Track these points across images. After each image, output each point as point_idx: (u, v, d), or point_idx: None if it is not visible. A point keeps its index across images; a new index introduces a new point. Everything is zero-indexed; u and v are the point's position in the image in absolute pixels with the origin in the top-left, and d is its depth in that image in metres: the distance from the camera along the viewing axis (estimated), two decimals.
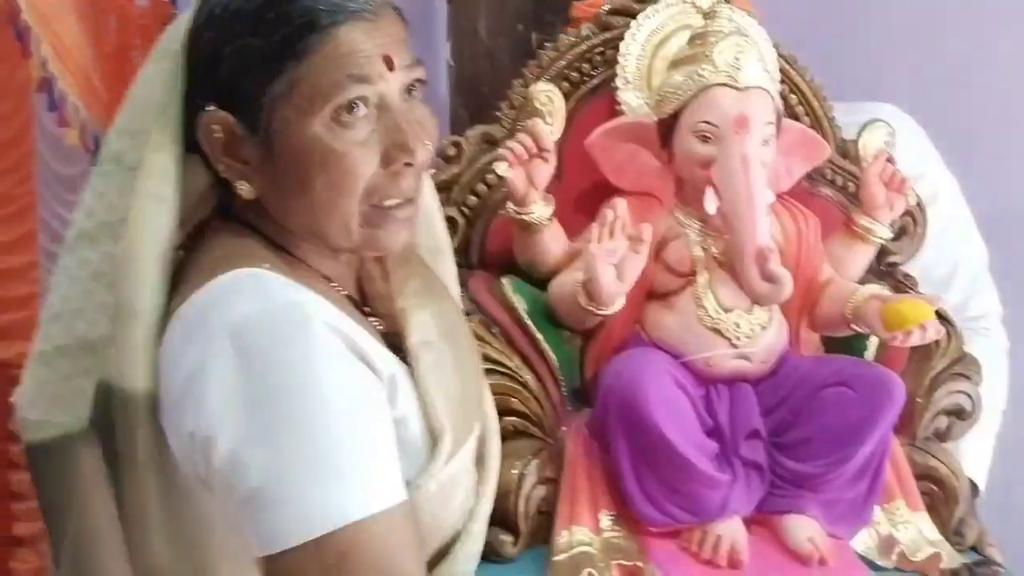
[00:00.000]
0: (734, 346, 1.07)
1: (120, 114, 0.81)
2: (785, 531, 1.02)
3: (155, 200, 0.76)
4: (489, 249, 1.21)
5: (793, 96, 1.29)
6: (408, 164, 0.78)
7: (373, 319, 0.85)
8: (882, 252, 1.32)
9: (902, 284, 1.29)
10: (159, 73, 0.78)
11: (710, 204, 1.06)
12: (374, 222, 0.78)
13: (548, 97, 1.12)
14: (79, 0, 1.85)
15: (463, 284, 1.17)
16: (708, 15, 1.13)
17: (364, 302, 0.87)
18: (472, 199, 1.21)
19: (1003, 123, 1.86)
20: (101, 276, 0.78)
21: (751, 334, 1.07)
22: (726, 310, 1.07)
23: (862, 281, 1.24)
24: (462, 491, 0.82)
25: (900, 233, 1.33)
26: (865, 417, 1.01)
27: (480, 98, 1.48)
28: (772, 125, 1.08)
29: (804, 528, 1.01)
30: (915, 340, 1.01)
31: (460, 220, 1.21)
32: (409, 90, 0.79)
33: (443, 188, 1.21)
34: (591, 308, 1.03)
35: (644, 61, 1.20)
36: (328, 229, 0.78)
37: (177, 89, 0.77)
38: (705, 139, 1.06)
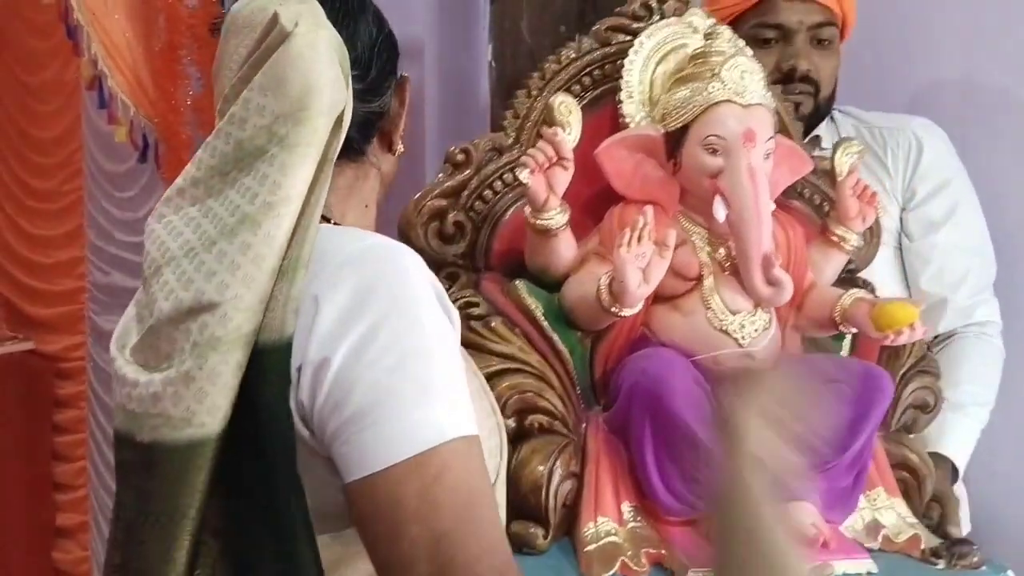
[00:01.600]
0: (740, 346, 1.14)
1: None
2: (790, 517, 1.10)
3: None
4: (495, 253, 1.25)
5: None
6: None
7: None
8: None
9: (862, 288, 1.40)
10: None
11: (719, 212, 1.13)
12: None
13: (566, 107, 1.17)
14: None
15: (475, 286, 1.21)
16: (709, 35, 1.20)
17: None
18: (480, 204, 1.25)
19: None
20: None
21: (755, 334, 1.15)
22: (732, 312, 1.15)
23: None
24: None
25: None
26: (860, 412, 1.10)
27: None
28: (772, 140, 1.16)
29: (807, 514, 1.09)
30: (903, 339, 1.12)
31: (468, 225, 1.25)
32: None
33: (452, 194, 1.25)
34: (614, 309, 1.09)
35: (646, 76, 1.26)
36: None
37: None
38: (714, 151, 1.13)
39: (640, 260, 1.05)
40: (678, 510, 1.07)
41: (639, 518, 1.08)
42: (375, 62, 0.90)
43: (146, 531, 0.77)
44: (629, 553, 1.03)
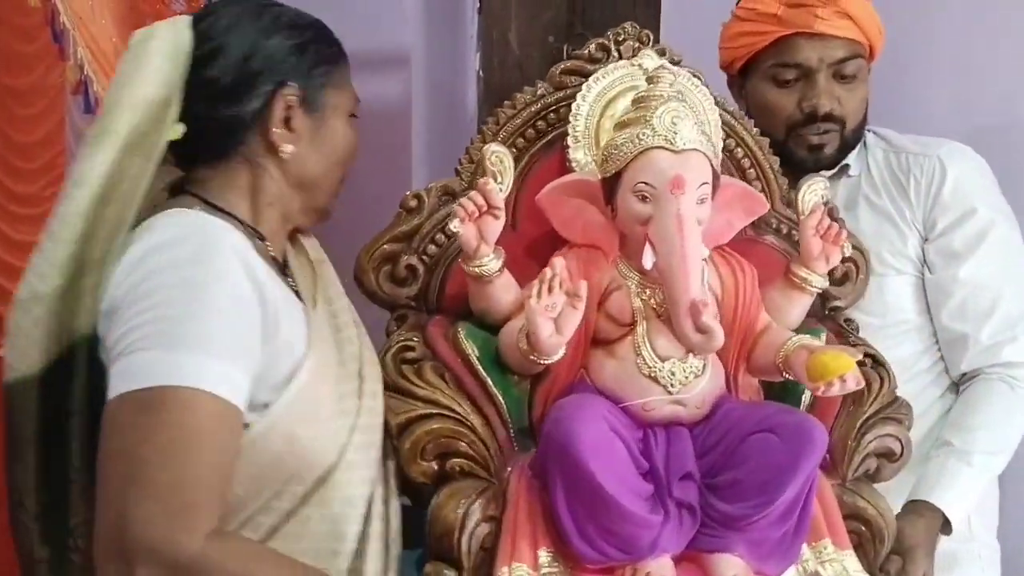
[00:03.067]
0: (669, 392, 1.13)
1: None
2: (713, 569, 1.09)
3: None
4: (447, 295, 1.29)
5: (739, 150, 1.37)
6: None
7: (290, 279, 1.14)
8: (826, 297, 1.39)
9: (843, 328, 1.36)
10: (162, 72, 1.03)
11: (647, 260, 1.13)
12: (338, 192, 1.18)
13: (498, 158, 1.19)
14: (116, 3, 1.91)
15: (422, 329, 1.25)
16: (651, 79, 1.20)
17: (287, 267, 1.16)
18: (432, 248, 1.28)
19: None
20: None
21: (685, 381, 1.14)
22: (662, 359, 1.14)
23: (804, 323, 1.31)
24: (325, 425, 1.03)
25: (843, 279, 1.40)
26: (788, 463, 1.07)
27: None
28: (707, 185, 1.15)
29: (730, 567, 1.08)
30: (835, 391, 1.08)
31: (420, 268, 1.29)
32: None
33: (404, 238, 1.29)
34: (533, 357, 1.11)
35: (593, 120, 1.27)
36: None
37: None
38: (643, 198, 1.13)
39: (551, 311, 1.07)
40: (594, 558, 1.07)
41: (557, 565, 1.09)
42: (241, 72, 1.06)
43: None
44: None
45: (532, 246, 1.28)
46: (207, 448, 0.90)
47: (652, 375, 1.14)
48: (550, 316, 1.07)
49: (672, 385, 1.13)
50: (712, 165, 1.16)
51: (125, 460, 0.89)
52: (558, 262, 1.08)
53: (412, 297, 1.29)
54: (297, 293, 1.13)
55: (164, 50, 1.02)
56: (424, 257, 1.29)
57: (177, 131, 1.04)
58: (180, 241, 0.98)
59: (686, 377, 1.14)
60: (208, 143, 1.08)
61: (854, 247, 1.39)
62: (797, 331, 1.28)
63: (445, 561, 1.09)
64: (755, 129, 1.38)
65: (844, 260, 1.36)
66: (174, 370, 0.90)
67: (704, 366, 1.15)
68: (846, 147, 1.57)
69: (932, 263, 1.56)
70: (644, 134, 1.13)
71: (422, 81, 1.79)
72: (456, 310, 1.27)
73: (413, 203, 1.29)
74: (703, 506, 1.11)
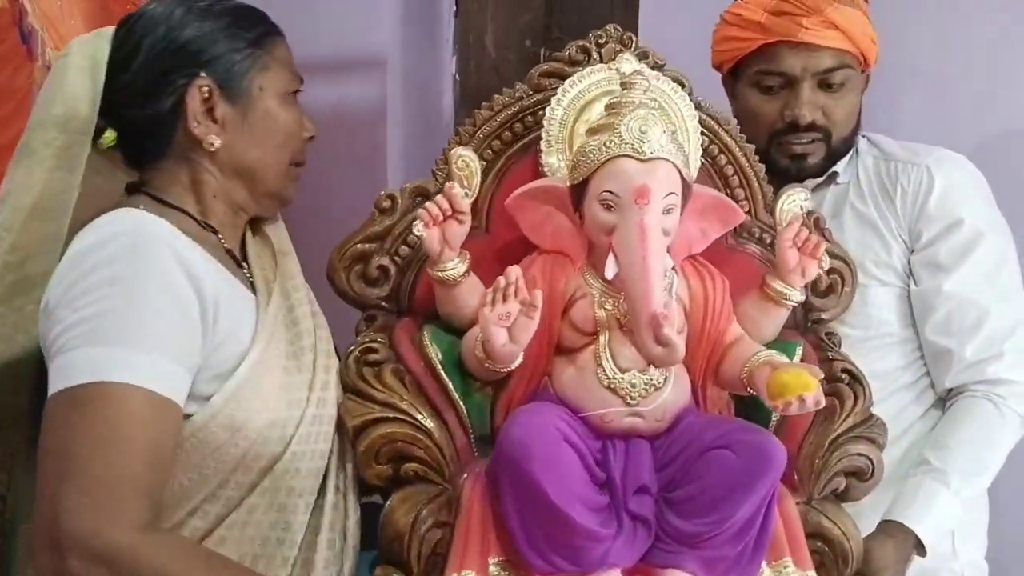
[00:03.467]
0: (628, 404, 1.12)
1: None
2: None
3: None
4: (418, 296, 1.28)
5: (723, 156, 1.34)
6: (311, 137, 1.20)
7: (246, 270, 1.16)
8: (809, 308, 1.36)
9: (822, 342, 1.33)
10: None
11: (610, 270, 1.12)
12: (292, 175, 1.19)
13: (464, 162, 1.18)
14: (86, 3, 1.89)
15: (391, 330, 1.25)
16: (624, 85, 1.18)
17: (244, 258, 1.18)
18: (404, 249, 1.28)
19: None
20: None
21: (645, 394, 1.12)
22: (622, 370, 1.13)
23: (783, 335, 1.29)
24: (270, 416, 1.05)
25: (827, 291, 1.37)
26: (743, 482, 1.06)
27: None
28: (675, 195, 1.13)
29: None
30: (793, 410, 1.05)
31: (392, 268, 1.29)
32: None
33: (377, 238, 1.29)
34: (488, 365, 1.10)
35: (567, 125, 1.25)
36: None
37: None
38: (608, 207, 1.12)
39: (505, 320, 1.06)
40: (544, 569, 1.07)
41: (507, 573, 1.08)
42: (153, 70, 1.08)
43: None
44: None
45: (505, 250, 1.27)
46: (137, 442, 0.92)
47: (611, 386, 1.12)
48: (504, 325, 1.06)
49: (631, 397, 1.12)
50: (682, 175, 1.14)
51: (58, 456, 0.91)
52: (513, 270, 1.07)
53: (383, 298, 1.29)
54: (253, 284, 1.14)
55: (81, 65, 1.06)
56: (396, 258, 1.28)
57: (109, 138, 1.08)
58: (112, 239, 1.00)
59: (646, 389, 1.12)
60: (141, 145, 1.11)
61: (841, 259, 1.37)
62: (774, 344, 1.26)
63: (396, 565, 1.10)
64: (741, 135, 1.35)
65: (830, 272, 1.34)
66: (105, 366, 0.92)
67: (665, 378, 1.14)
68: (834, 156, 1.53)
69: (918, 275, 1.52)
70: (611, 142, 1.12)
71: (398, 84, 1.79)
72: (427, 311, 1.27)
73: (386, 204, 1.29)
74: (659, 520, 1.10)
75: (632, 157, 1.11)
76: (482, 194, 1.31)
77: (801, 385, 1.05)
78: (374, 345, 1.19)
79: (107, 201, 1.08)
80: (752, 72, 1.51)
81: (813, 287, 1.34)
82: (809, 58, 1.47)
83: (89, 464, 0.90)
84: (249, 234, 1.21)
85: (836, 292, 1.37)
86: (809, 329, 1.36)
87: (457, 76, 1.59)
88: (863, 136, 1.61)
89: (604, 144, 1.12)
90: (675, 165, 1.13)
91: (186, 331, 0.99)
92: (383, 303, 1.29)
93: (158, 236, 1.02)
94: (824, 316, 1.37)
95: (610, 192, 1.11)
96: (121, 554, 0.90)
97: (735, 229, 1.33)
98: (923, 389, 1.51)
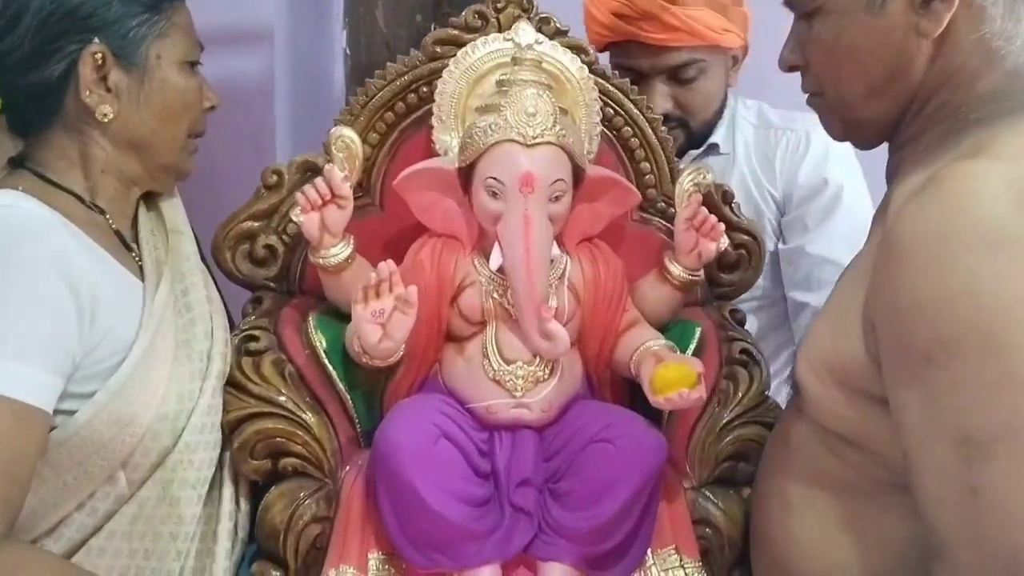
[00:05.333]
0: (513, 396, 1.10)
1: None
2: None
3: None
4: (309, 276, 1.24)
5: (627, 128, 1.29)
6: (212, 107, 1.14)
7: (135, 253, 1.10)
8: (715, 283, 1.34)
9: (724, 320, 1.31)
10: None
11: (494, 260, 1.08)
12: (190, 147, 1.14)
13: (345, 143, 1.13)
14: None
15: (277, 314, 1.21)
16: (515, 60, 1.12)
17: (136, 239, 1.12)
18: (292, 227, 1.23)
19: None
20: None
21: (530, 386, 1.10)
22: (508, 361, 1.10)
23: (685, 313, 1.27)
24: (159, 409, 1.02)
25: (734, 266, 1.34)
26: (620, 476, 1.05)
27: None
28: (563, 181, 1.08)
29: (557, 575, 1.06)
30: (673, 404, 1.04)
31: (280, 248, 1.24)
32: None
33: (264, 216, 1.24)
34: (365, 360, 1.07)
35: (460, 100, 1.19)
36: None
37: None
38: (494, 194, 1.07)
39: (379, 316, 1.02)
40: (423, 564, 1.05)
41: (388, 568, 1.07)
42: (40, 35, 1.00)
43: None
44: None
45: (400, 229, 1.23)
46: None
47: (496, 378, 1.10)
48: (378, 322, 1.03)
49: (516, 389, 1.10)
50: (573, 159, 1.10)
51: None
52: (386, 265, 1.03)
53: (271, 278, 1.25)
54: (142, 269, 1.09)
55: None
56: (284, 237, 1.24)
57: None
58: None
59: (532, 381, 1.10)
60: (26, 114, 1.04)
61: (748, 233, 1.34)
62: (675, 324, 1.24)
63: (274, 560, 1.08)
64: (649, 107, 1.30)
65: (736, 247, 1.31)
66: None
67: (551, 370, 1.11)
68: (694, 137, 1.56)
69: (786, 236, 1.59)
70: (496, 125, 1.07)
71: (286, 58, 1.70)
72: (318, 292, 1.22)
73: (272, 179, 1.23)
74: (542, 511, 1.09)
75: (517, 143, 1.06)
76: (375, 170, 1.26)
77: (681, 379, 1.04)
78: (255, 333, 1.15)
79: None
80: (613, 63, 1.52)
81: (718, 262, 1.31)
82: (656, 57, 1.48)
83: None
84: (144, 211, 1.15)
85: (743, 267, 1.34)
86: (713, 305, 1.33)
87: (348, 50, 1.53)
88: (744, 102, 1.64)
89: (490, 127, 1.07)
90: (564, 149, 1.08)
91: (56, 334, 0.94)
92: (271, 284, 1.25)
93: (29, 229, 0.96)
94: (727, 292, 1.35)
95: (494, 179, 1.07)
96: None
97: (640, 204, 1.29)
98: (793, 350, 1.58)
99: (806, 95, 1.05)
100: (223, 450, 1.10)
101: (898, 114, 0.96)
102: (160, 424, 1.02)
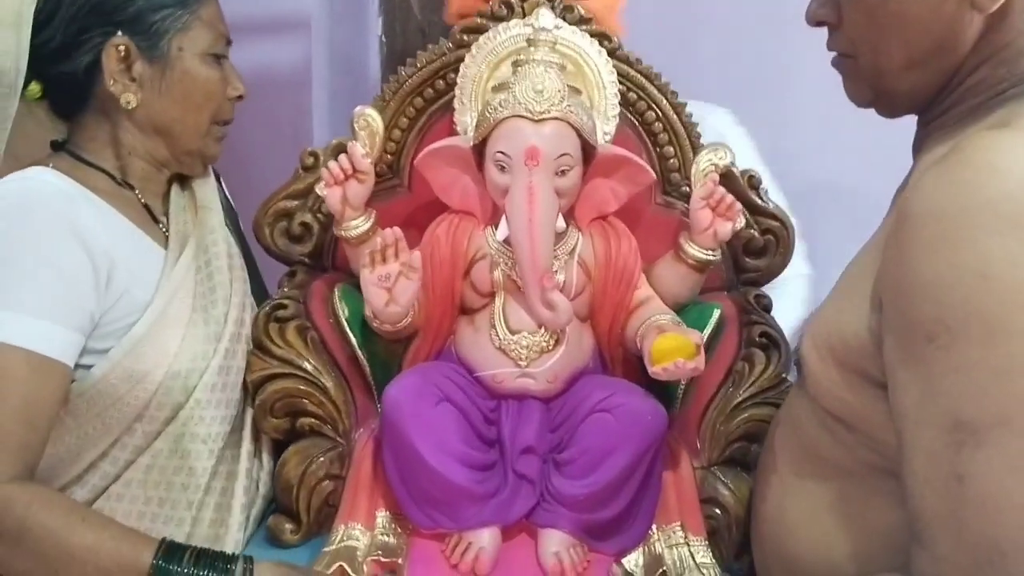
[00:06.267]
0: (519, 366, 1.13)
1: None
2: (539, 543, 1.09)
3: None
4: (340, 254, 1.31)
5: (651, 113, 1.30)
6: (240, 96, 1.22)
7: (162, 225, 1.19)
8: (741, 268, 1.33)
9: (748, 304, 1.30)
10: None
11: (501, 231, 1.12)
12: (214, 134, 1.21)
13: (366, 120, 1.19)
14: None
15: (306, 287, 1.28)
16: (530, 42, 1.16)
17: (165, 213, 1.21)
18: (326, 206, 1.30)
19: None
20: None
21: (535, 355, 1.13)
22: (514, 332, 1.13)
23: (707, 296, 1.27)
24: (171, 368, 1.09)
25: (761, 251, 1.33)
26: (617, 444, 1.06)
27: None
28: (569, 156, 1.11)
29: (554, 543, 1.07)
30: (670, 375, 1.05)
31: (315, 226, 1.31)
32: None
33: (300, 195, 1.31)
34: (376, 324, 1.12)
35: (480, 83, 1.24)
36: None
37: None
38: (502, 168, 1.11)
39: (385, 281, 1.07)
40: (426, 524, 1.09)
41: (393, 527, 1.11)
42: (70, 29, 1.10)
43: None
44: (359, 560, 1.07)
45: (427, 208, 1.28)
46: (11, 400, 0.97)
47: (502, 348, 1.13)
48: (385, 286, 1.08)
49: (521, 358, 1.13)
50: (582, 135, 1.12)
51: None
52: (392, 231, 1.08)
53: (306, 254, 1.32)
54: (168, 240, 1.18)
55: (7, 21, 1.07)
56: (319, 215, 1.30)
57: (33, 91, 1.10)
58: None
59: (537, 351, 1.13)
60: (62, 101, 1.14)
61: (777, 219, 1.33)
62: (693, 306, 1.25)
63: (288, 515, 1.14)
64: (674, 92, 1.31)
65: (764, 232, 1.31)
66: None
67: (556, 341, 1.13)
68: None
69: None
70: (506, 101, 1.11)
71: (323, 46, 1.76)
72: (348, 268, 1.29)
73: (310, 161, 1.30)
74: (545, 480, 1.11)
75: (524, 117, 1.09)
76: (405, 153, 1.32)
77: (678, 349, 1.04)
78: (285, 302, 1.23)
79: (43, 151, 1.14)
80: None
81: (746, 247, 1.31)
82: None
83: None
84: (177, 189, 1.24)
85: (771, 253, 1.33)
86: (739, 290, 1.33)
87: (383, 38, 1.59)
88: None
89: (500, 103, 1.11)
90: (571, 124, 1.11)
91: (72, 293, 1.03)
92: (306, 259, 1.32)
93: (44, 197, 1.06)
94: (754, 277, 1.34)
95: (502, 153, 1.10)
96: None
97: (664, 188, 1.31)
98: None
99: (832, 54, 0.98)
100: (243, 410, 1.17)
101: (936, 89, 0.92)
102: (172, 381, 1.09)
